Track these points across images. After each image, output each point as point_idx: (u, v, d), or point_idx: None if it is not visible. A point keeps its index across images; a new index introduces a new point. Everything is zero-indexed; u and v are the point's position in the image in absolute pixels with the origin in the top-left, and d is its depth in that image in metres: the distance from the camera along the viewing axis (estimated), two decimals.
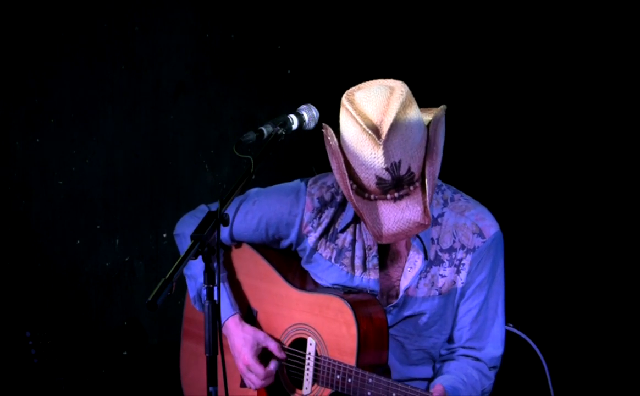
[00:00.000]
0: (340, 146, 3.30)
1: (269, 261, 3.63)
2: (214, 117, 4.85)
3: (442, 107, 3.35)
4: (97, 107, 4.58)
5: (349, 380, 3.34)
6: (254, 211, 3.60)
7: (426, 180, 3.23)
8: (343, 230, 3.53)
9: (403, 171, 3.22)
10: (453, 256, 3.43)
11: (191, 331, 3.83)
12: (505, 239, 4.76)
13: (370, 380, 3.30)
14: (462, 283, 3.44)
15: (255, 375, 3.52)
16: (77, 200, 4.55)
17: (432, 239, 3.44)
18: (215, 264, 2.97)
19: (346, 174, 3.26)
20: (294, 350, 3.54)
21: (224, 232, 3.62)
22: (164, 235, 4.72)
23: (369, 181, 3.24)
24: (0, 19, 4.33)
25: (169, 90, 4.73)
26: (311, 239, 3.55)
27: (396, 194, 3.24)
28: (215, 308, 2.97)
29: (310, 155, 4.63)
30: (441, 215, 3.46)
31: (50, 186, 4.48)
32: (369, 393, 3.30)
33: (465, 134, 5.02)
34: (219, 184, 4.83)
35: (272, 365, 3.52)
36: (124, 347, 4.63)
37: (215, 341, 2.96)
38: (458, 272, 3.44)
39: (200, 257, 2.96)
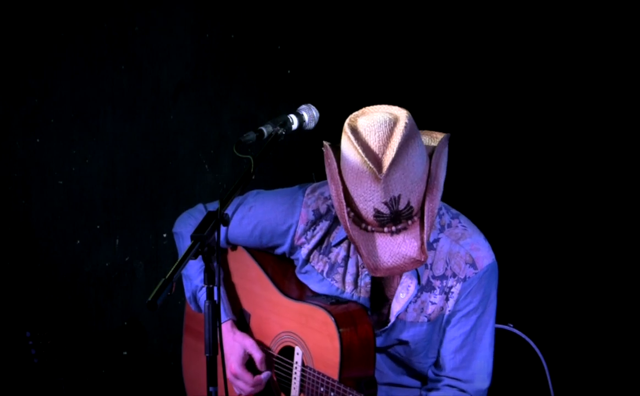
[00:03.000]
0: (340, 172, 3.25)
1: (263, 267, 3.64)
2: (214, 117, 4.85)
3: (446, 136, 3.31)
4: (97, 107, 4.57)
5: (332, 394, 3.33)
6: (250, 217, 3.58)
7: (425, 216, 3.19)
8: (337, 244, 3.50)
9: (402, 206, 3.17)
10: (444, 283, 3.39)
11: (192, 327, 3.84)
12: (505, 239, 4.76)
13: (351, 395, 3.28)
14: (450, 310, 3.39)
15: (243, 382, 3.54)
16: (77, 200, 4.55)
17: (425, 264, 3.38)
18: (215, 264, 2.97)
19: (344, 203, 3.22)
20: (283, 358, 3.55)
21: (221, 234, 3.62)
22: (164, 235, 4.72)
23: (367, 213, 3.19)
24: (0, 19, 4.33)
25: (169, 90, 4.73)
26: (304, 250, 3.53)
27: (394, 228, 3.20)
28: (215, 308, 2.97)
29: (310, 155, 4.63)
30: (437, 241, 3.41)
31: (50, 186, 4.48)
32: None
33: (465, 135, 5.02)
34: (219, 184, 4.83)
35: (264, 376, 3.54)
36: (124, 347, 4.63)
37: (215, 341, 2.96)
38: (447, 299, 3.39)
39: (199, 257, 2.95)
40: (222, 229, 3.54)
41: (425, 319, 3.41)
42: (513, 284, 4.83)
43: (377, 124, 3.19)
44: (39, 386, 4.21)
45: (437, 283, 3.40)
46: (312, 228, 3.52)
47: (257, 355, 3.54)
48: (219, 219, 3.01)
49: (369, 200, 3.17)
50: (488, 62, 5.01)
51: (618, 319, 4.76)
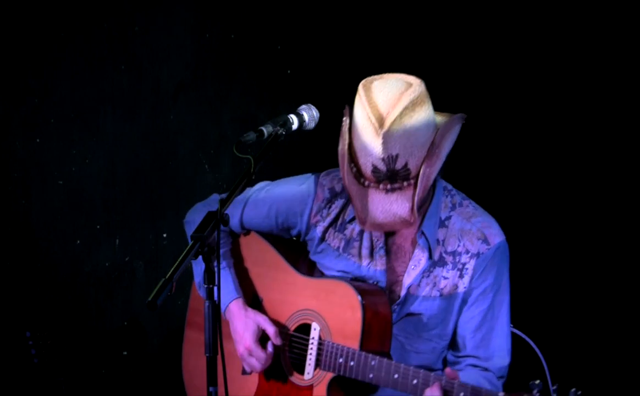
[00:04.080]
0: (349, 129, 3.35)
1: (277, 249, 3.65)
2: (214, 117, 4.85)
3: (460, 115, 3.37)
4: (97, 107, 4.58)
5: (352, 363, 3.34)
6: (265, 199, 3.64)
7: (419, 179, 3.24)
8: (351, 220, 3.54)
9: (399, 166, 3.24)
10: (457, 259, 3.44)
11: (195, 321, 3.82)
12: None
13: (373, 362, 3.30)
14: (465, 287, 3.43)
15: (256, 359, 3.52)
16: (77, 200, 4.55)
17: (437, 240, 3.45)
18: (215, 265, 2.97)
19: (347, 156, 3.32)
20: (298, 335, 3.53)
21: (235, 219, 3.64)
22: (164, 235, 4.72)
23: (366, 167, 3.28)
24: (0, 19, 4.33)
25: (169, 90, 4.73)
26: (319, 229, 3.57)
27: (389, 186, 3.27)
28: (215, 308, 2.97)
29: (310, 155, 4.63)
30: (448, 218, 3.47)
31: (50, 186, 4.48)
32: (371, 376, 3.30)
33: (465, 135, 5.02)
34: (219, 184, 4.83)
35: (269, 347, 3.52)
36: (124, 347, 4.63)
37: (215, 341, 2.96)
38: (461, 276, 3.43)
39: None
40: (237, 213, 3.64)
41: (438, 293, 3.44)
42: (513, 284, 4.82)
43: (389, 86, 3.31)
44: (39, 386, 4.21)
45: (449, 259, 3.44)
46: (328, 206, 3.58)
47: (271, 329, 3.52)
48: (219, 219, 3.01)
49: (369, 155, 3.25)
50: (488, 63, 5.01)
51: (618, 319, 4.76)
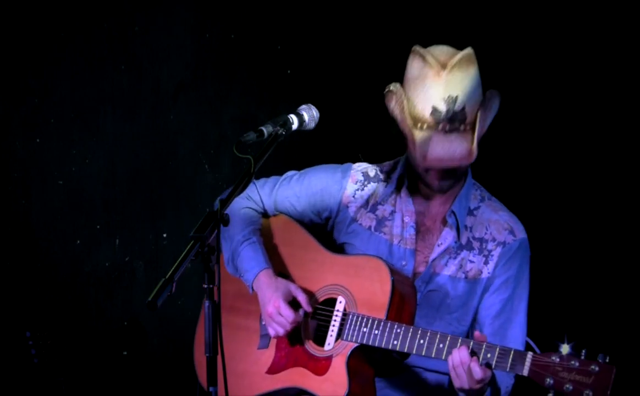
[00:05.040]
0: (402, 86, 3.49)
1: (307, 230, 3.70)
2: (214, 117, 4.85)
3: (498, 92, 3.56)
4: (97, 107, 4.58)
5: (376, 332, 3.38)
6: (300, 178, 3.75)
7: (477, 123, 3.40)
8: (383, 202, 3.65)
9: (458, 108, 3.39)
10: (484, 246, 3.55)
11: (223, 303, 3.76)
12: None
13: (398, 330, 3.34)
14: (489, 273, 3.53)
15: (284, 318, 3.50)
16: (77, 200, 4.55)
17: (465, 226, 3.56)
18: (215, 265, 2.97)
19: (405, 104, 3.44)
20: (323, 307, 3.55)
21: (268, 198, 3.73)
22: (164, 235, 4.72)
23: (424, 110, 3.40)
24: (0, 19, 4.33)
25: (169, 90, 4.73)
26: (352, 209, 3.67)
27: (447, 127, 3.39)
28: (215, 308, 2.96)
29: (310, 155, 4.63)
30: (477, 208, 3.60)
31: (50, 186, 4.49)
32: (395, 342, 3.34)
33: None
34: (219, 184, 4.83)
35: (301, 312, 3.52)
36: (124, 347, 4.63)
37: (215, 341, 2.96)
38: (486, 262, 3.54)
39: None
40: (271, 191, 3.75)
41: (463, 275, 3.54)
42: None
43: (444, 46, 3.49)
44: (39, 386, 4.21)
45: (476, 244, 3.56)
46: (361, 188, 3.69)
47: (302, 296, 3.53)
48: (219, 219, 3.01)
49: (429, 96, 3.40)
50: (488, 64, 5.00)
51: (618, 319, 4.76)
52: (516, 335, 3.53)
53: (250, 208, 3.74)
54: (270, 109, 4.88)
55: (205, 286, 2.97)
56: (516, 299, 3.55)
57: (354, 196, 3.69)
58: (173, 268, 2.93)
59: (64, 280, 4.51)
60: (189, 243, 2.95)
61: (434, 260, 3.55)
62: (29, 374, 4.25)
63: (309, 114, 3.47)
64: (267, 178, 3.83)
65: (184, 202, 4.73)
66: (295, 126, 3.43)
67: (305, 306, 3.53)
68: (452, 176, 3.51)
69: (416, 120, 3.43)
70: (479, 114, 3.43)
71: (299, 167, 3.98)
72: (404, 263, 3.58)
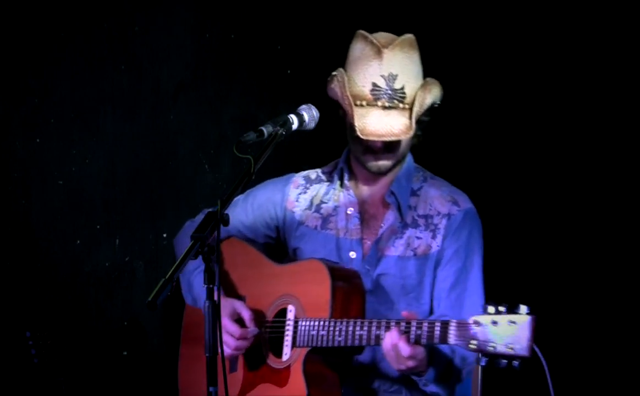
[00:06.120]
0: (344, 68, 3.62)
1: (258, 248, 3.77)
2: (214, 117, 4.85)
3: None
4: (97, 107, 4.58)
5: (323, 333, 3.42)
6: (246, 197, 3.82)
7: (415, 101, 3.50)
8: (326, 200, 3.72)
9: (397, 86, 3.51)
10: (429, 221, 3.60)
11: (189, 336, 3.86)
12: (504, 239, 4.77)
13: (340, 326, 3.38)
14: (438, 247, 3.58)
15: (231, 334, 3.54)
16: (77, 200, 4.55)
17: (409, 206, 3.62)
18: (215, 265, 2.98)
19: (346, 82, 3.54)
20: (276, 319, 3.58)
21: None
22: (164, 235, 4.72)
23: (364, 88, 3.51)
24: (0, 19, 4.33)
25: (169, 90, 4.73)
26: (297, 213, 3.74)
27: (386, 104, 3.50)
28: (215, 308, 2.97)
29: (310, 155, 4.63)
30: (420, 188, 3.67)
31: (50, 186, 4.48)
32: (339, 339, 3.38)
33: (464, 135, 5.02)
34: (219, 184, 4.83)
35: (250, 330, 3.55)
36: (124, 347, 4.63)
37: (215, 341, 2.96)
38: (434, 236, 3.58)
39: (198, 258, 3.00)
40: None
41: (412, 253, 3.58)
42: (513, 284, 4.82)
43: (389, 33, 3.62)
44: (39, 386, 4.21)
45: (421, 221, 3.62)
46: (303, 192, 3.77)
47: (246, 313, 3.56)
48: (219, 219, 3.01)
49: (369, 75, 3.52)
50: (488, 63, 5.01)
51: (618, 319, 4.75)
52: (475, 303, 3.50)
53: None
54: (270, 109, 4.88)
55: (205, 286, 2.98)
56: (470, 268, 3.58)
57: (297, 200, 3.77)
58: (173, 268, 2.93)
59: (64, 280, 4.51)
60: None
61: (377, 242, 3.59)
62: (29, 374, 4.25)
63: (309, 114, 3.48)
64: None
65: (184, 202, 4.73)
66: (295, 126, 3.43)
67: (248, 322, 3.55)
68: (391, 151, 3.57)
69: (356, 97, 3.53)
70: (418, 94, 3.52)
71: (298, 167, 3.98)
72: (352, 253, 3.62)
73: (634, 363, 4.70)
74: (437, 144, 3.91)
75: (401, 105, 3.51)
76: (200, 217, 3.78)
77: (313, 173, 3.83)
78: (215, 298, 2.96)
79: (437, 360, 3.40)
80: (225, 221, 3.03)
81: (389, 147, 3.57)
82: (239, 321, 3.57)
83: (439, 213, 3.60)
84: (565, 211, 4.90)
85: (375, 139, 3.51)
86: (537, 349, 3.19)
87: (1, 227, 4.38)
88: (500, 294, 3.50)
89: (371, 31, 5.01)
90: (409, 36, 3.59)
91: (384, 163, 3.61)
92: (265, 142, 3.28)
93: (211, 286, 2.97)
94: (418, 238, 3.59)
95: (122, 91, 4.61)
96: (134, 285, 4.67)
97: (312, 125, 3.53)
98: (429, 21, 5.03)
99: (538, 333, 3.98)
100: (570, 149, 4.88)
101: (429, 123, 3.67)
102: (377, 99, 3.51)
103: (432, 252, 3.58)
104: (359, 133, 3.48)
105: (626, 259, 4.75)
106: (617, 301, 4.77)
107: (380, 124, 3.49)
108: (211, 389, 2.95)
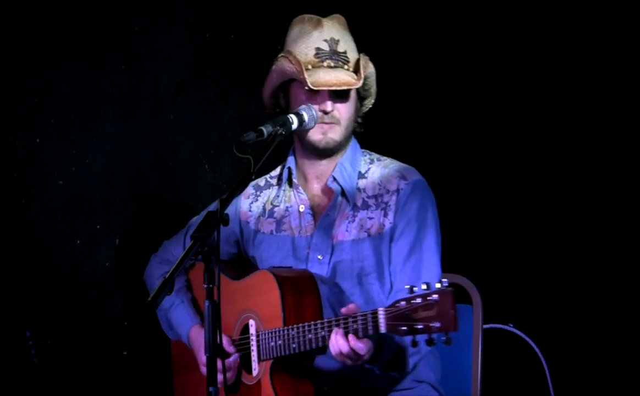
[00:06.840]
0: (284, 50, 3.70)
1: (220, 268, 3.76)
2: (214, 117, 4.85)
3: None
4: (97, 107, 4.57)
5: (279, 342, 3.43)
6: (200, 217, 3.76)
7: (360, 64, 3.59)
8: (278, 203, 3.73)
9: (340, 49, 3.60)
10: (379, 200, 3.61)
11: (180, 364, 3.89)
12: (505, 239, 4.77)
13: (292, 332, 3.39)
14: (390, 223, 3.58)
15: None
16: (77, 200, 4.54)
17: (358, 189, 3.63)
18: (214, 265, 2.98)
19: (291, 58, 3.60)
20: (243, 336, 3.61)
21: (182, 250, 3.77)
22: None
23: (308, 54, 3.59)
24: (0, 19, 4.33)
25: (169, 90, 4.73)
26: (252, 222, 3.77)
27: (332, 64, 3.57)
28: (215, 308, 2.97)
29: None
30: (367, 170, 3.69)
31: (50, 186, 4.48)
32: (294, 346, 3.39)
33: (464, 135, 5.03)
34: (219, 184, 4.84)
35: (231, 359, 3.59)
36: (124, 347, 4.63)
37: (215, 341, 2.97)
38: (385, 214, 3.59)
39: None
40: (182, 241, 3.89)
41: (366, 234, 3.59)
42: (513, 284, 4.83)
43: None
44: (39, 386, 4.21)
45: (372, 202, 3.62)
46: (254, 200, 3.80)
47: (224, 340, 3.58)
48: (219, 219, 3.02)
49: (312, 43, 3.60)
50: (488, 64, 5.01)
51: (618, 319, 4.76)
52: (431, 274, 3.51)
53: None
54: None
55: (205, 286, 2.98)
56: (423, 238, 3.57)
57: (250, 210, 3.80)
58: (173, 268, 2.94)
59: (64, 280, 4.51)
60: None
61: (327, 228, 3.60)
62: (29, 374, 4.25)
63: (309, 114, 3.49)
64: (171, 237, 3.97)
65: (184, 202, 4.73)
66: (295, 126, 3.44)
67: (227, 347, 3.59)
68: (340, 115, 3.60)
69: (302, 65, 3.56)
70: (360, 58, 3.61)
71: None
72: (308, 251, 3.62)
73: (634, 362, 4.70)
74: (422, 139, 3.89)
75: (345, 66, 3.57)
76: (163, 254, 3.88)
77: (262, 180, 3.85)
78: (216, 298, 2.97)
79: (387, 347, 3.37)
80: (225, 221, 3.04)
81: (340, 110, 3.61)
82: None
83: (388, 190, 3.61)
84: (565, 211, 4.90)
85: (327, 88, 3.55)
86: (536, 347, 3.19)
87: (1, 227, 4.38)
88: (501, 294, 3.51)
89: (370, 31, 5.04)
90: (340, 16, 3.70)
91: (332, 137, 3.61)
92: (265, 142, 3.28)
93: (211, 286, 2.98)
94: (370, 218, 3.60)
95: (122, 91, 4.61)
96: (134, 285, 4.67)
97: (312, 125, 3.54)
98: (426, 18, 5.04)
99: (538, 333, 4.00)
100: (567, 148, 4.88)
101: (369, 112, 3.75)
102: (322, 60, 3.57)
103: (386, 230, 3.58)
104: (310, 85, 3.51)
105: (626, 259, 4.76)
106: (617, 301, 4.77)
107: (329, 76, 3.53)
108: (211, 389, 2.96)
